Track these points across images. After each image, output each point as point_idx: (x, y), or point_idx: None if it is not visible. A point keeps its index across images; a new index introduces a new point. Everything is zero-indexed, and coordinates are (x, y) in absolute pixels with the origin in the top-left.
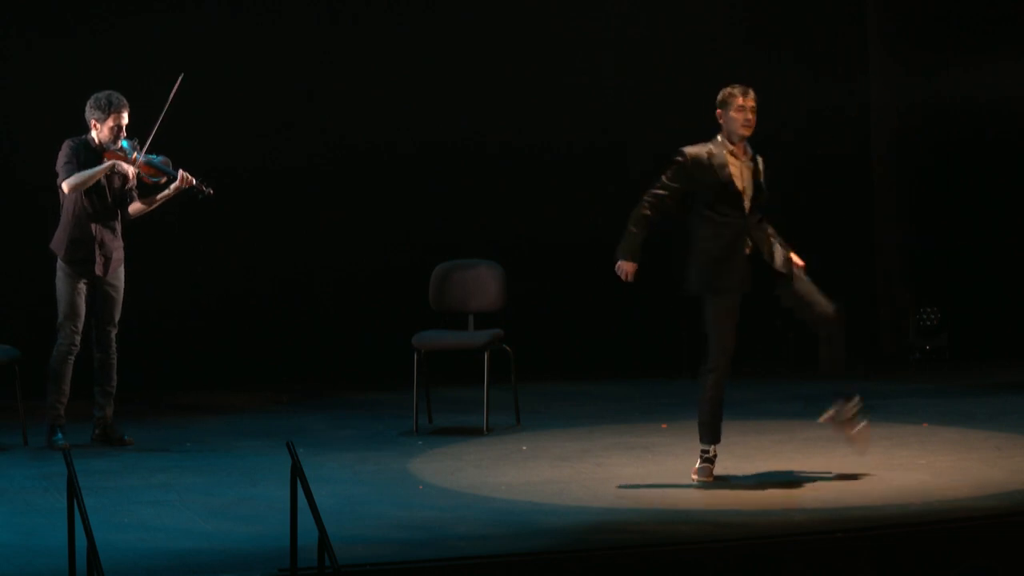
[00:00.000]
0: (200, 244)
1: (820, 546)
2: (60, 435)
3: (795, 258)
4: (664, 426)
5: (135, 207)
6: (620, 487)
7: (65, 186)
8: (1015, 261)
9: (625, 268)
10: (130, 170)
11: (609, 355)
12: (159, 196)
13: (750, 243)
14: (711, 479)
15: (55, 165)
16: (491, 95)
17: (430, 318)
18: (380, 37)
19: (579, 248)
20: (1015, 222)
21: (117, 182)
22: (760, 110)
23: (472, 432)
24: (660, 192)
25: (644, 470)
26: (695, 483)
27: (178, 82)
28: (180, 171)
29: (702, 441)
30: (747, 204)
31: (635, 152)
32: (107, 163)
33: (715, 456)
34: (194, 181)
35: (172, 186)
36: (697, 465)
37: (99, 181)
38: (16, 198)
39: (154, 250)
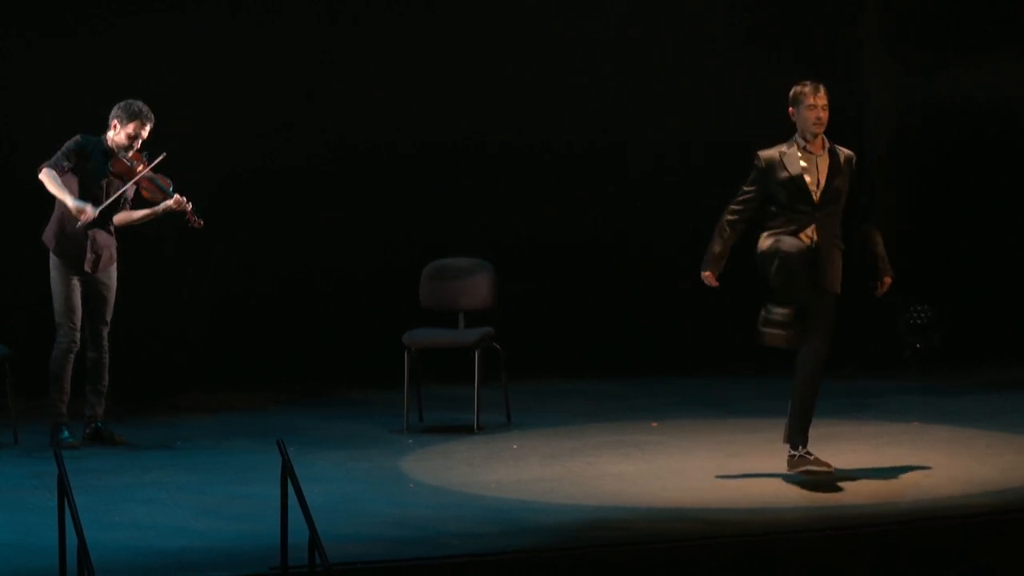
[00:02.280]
0: (199, 244)
1: (811, 544)
2: (67, 433)
3: (886, 281)
4: (655, 424)
5: (120, 217)
6: (611, 485)
7: (41, 173)
8: (1012, 261)
9: (705, 277)
10: (130, 188)
11: (604, 354)
12: (148, 210)
13: (816, 237)
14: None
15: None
16: (491, 95)
17: (422, 316)
18: (380, 37)
19: (578, 248)
20: (1014, 222)
21: (116, 186)
22: (760, 111)
23: (463, 430)
24: (743, 199)
25: (635, 468)
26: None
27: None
28: (176, 195)
29: None
30: (817, 198)
31: (635, 152)
32: (82, 216)
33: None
34: (188, 207)
35: (163, 204)
36: None
37: (99, 183)
38: (16, 198)
39: (153, 249)
